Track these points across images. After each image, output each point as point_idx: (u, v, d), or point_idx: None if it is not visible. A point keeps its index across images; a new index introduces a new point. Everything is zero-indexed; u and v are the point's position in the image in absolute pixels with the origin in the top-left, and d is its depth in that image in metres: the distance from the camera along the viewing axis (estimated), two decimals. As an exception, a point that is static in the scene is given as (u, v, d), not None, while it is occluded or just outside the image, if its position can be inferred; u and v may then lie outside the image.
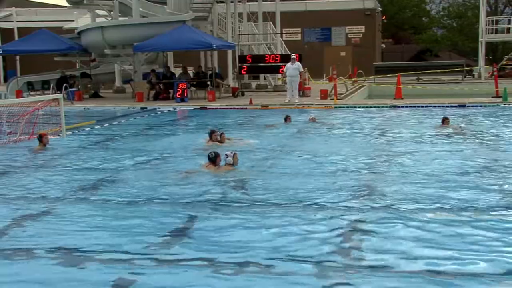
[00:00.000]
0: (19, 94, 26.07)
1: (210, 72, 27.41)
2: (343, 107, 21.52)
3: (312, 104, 22.40)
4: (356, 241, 6.19)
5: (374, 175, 9.59)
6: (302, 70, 23.99)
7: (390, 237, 6.29)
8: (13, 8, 44.65)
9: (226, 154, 9.95)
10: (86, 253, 5.98)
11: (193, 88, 26.64)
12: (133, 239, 6.38)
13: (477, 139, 13.37)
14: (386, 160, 10.91)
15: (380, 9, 47.93)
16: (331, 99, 23.65)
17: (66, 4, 31.91)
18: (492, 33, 37.06)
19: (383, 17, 51.64)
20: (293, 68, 23.26)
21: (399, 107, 21.14)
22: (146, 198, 8.29)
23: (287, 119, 16.58)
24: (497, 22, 37.98)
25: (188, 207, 7.72)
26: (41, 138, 12.74)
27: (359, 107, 21.34)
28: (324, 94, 24.47)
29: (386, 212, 7.25)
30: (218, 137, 12.66)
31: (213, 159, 9.88)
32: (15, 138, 13.75)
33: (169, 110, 21.89)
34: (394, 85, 25.19)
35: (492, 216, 7.02)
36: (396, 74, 26.17)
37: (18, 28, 41.06)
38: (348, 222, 6.89)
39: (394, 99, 23.64)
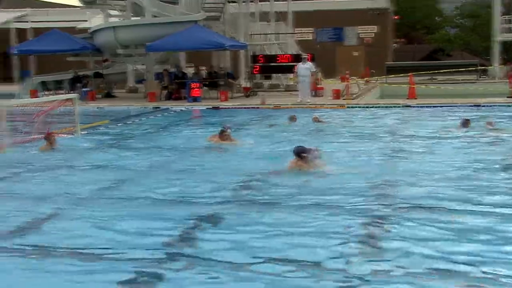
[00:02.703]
0: (34, 94, 26.23)
1: (222, 72, 27.45)
2: (356, 107, 21.49)
3: (325, 104, 22.39)
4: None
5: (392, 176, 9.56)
6: (314, 70, 23.98)
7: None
8: (28, 8, 44.91)
9: (311, 149, 9.80)
10: (98, 251, 6.03)
11: (205, 88, 26.69)
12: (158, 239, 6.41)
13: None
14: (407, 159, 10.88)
15: (392, 8, 47.77)
16: (343, 99, 23.63)
17: (79, 4, 32.10)
18: (506, 32, 36.86)
19: (396, 17, 51.44)
20: (304, 68, 23.27)
21: (413, 107, 21.04)
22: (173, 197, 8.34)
23: (292, 118, 16.54)
24: (509, 21, 37.77)
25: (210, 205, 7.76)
26: (48, 137, 12.75)
27: (372, 107, 21.30)
28: (336, 94, 24.45)
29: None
30: (226, 135, 12.73)
31: (299, 154, 9.70)
32: (31, 137, 13.84)
33: (181, 110, 21.96)
34: (406, 85, 25.11)
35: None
36: (408, 74, 26.08)
37: (33, 29, 41.24)
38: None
39: (408, 99, 23.55)
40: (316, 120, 16.67)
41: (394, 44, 52.05)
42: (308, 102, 22.74)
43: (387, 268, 5.41)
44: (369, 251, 5.94)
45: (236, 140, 12.97)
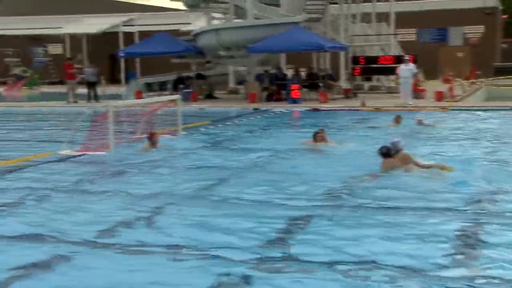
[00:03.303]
0: (139, 95, 27.15)
1: (322, 73, 27.36)
2: (460, 109, 20.83)
3: (427, 106, 21.86)
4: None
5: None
6: (415, 71, 23.48)
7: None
8: (135, 13, 46.60)
9: (394, 142, 9.89)
10: (196, 250, 6.16)
11: (305, 90, 26.71)
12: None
13: None
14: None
15: (501, 7, 46.00)
16: (446, 101, 22.98)
17: (183, 8, 32.96)
18: None
19: (504, 16, 49.49)
20: (406, 69, 22.84)
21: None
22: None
23: (397, 119, 16.24)
24: None
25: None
26: (151, 137, 13.14)
27: (477, 110, 20.56)
28: (439, 96, 23.82)
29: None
30: (321, 136, 12.69)
31: (386, 154, 9.79)
32: (136, 137, 14.34)
33: (281, 111, 22.08)
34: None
35: None
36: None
37: (139, 32, 42.74)
38: None
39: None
40: (420, 122, 16.29)
41: (503, 44, 50.08)
42: (410, 104, 22.29)
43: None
44: (471, 257, 5.75)
45: (332, 142, 12.91)
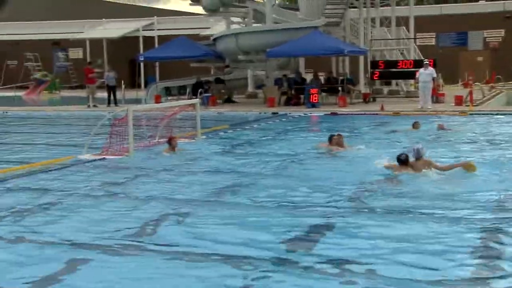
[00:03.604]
0: (158, 99, 27.30)
1: (342, 77, 27.33)
2: (480, 114, 20.70)
3: (446, 111, 21.74)
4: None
5: None
6: (435, 75, 23.37)
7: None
8: (155, 17, 46.88)
9: (417, 149, 9.97)
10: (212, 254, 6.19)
11: (324, 94, 26.69)
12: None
13: None
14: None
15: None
16: (466, 106, 22.85)
17: (203, 12, 33.11)
18: None
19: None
20: (426, 73, 22.74)
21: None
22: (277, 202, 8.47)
23: (415, 125, 16.16)
24: None
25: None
26: (170, 141, 13.25)
27: (497, 114, 20.40)
28: (458, 100, 23.68)
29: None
30: (336, 139, 12.70)
31: (405, 161, 9.87)
32: (155, 141, 14.43)
33: (299, 116, 22.08)
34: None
35: None
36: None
37: (158, 36, 42.99)
38: None
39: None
40: (441, 127, 16.19)
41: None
42: (429, 108, 22.19)
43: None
44: (489, 266, 5.73)
45: (348, 146, 12.92)
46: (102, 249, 6.40)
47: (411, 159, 9.92)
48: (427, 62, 23.57)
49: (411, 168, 9.80)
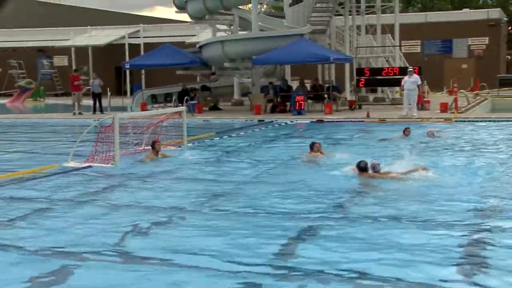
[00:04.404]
0: (143, 107, 27.24)
1: (327, 85, 27.40)
2: (464, 121, 20.83)
3: (431, 118, 21.86)
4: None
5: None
6: (420, 83, 23.49)
7: None
8: (141, 25, 46.84)
9: (373, 165, 10.28)
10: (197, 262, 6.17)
11: (310, 101, 26.75)
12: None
13: None
14: None
15: (505, 19, 46.08)
16: (451, 113, 22.99)
17: (189, 20, 33.13)
18: None
19: (510, 28, 49.55)
20: (410, 81, 22.87)
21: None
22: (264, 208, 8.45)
23: (406, 132, 16.18)
24: None
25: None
26: (154, 145, 13.31)
27: (482, 121, 20.54)
28: (443, 108, 23.83)
29: None
30: (317, 147, 12.80)
31: (364, 168, 10.18)
32: (141, 149, 14.38)
33: (286, 123, 22.10)
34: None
35: None
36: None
37: (144, 44, 42.94)
38: None
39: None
40: (432, 134, 16.24)
41: (508, 56, 50.14)
42: (414, 115, 22.30)
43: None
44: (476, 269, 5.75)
45: (328, 153, 12.99)
46: (81, 258, 6.35)
47: (370, 170, 10.22)
48: (411, 69, 23.70)
49: (368, 174, 10.17)
